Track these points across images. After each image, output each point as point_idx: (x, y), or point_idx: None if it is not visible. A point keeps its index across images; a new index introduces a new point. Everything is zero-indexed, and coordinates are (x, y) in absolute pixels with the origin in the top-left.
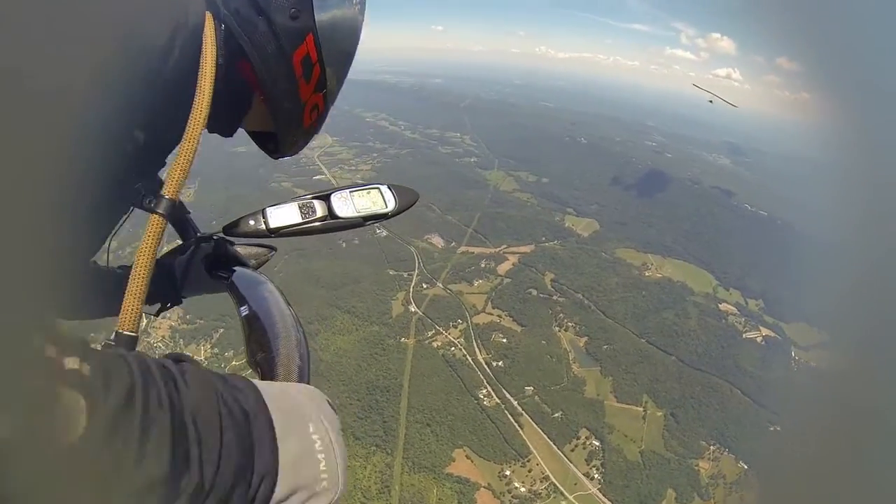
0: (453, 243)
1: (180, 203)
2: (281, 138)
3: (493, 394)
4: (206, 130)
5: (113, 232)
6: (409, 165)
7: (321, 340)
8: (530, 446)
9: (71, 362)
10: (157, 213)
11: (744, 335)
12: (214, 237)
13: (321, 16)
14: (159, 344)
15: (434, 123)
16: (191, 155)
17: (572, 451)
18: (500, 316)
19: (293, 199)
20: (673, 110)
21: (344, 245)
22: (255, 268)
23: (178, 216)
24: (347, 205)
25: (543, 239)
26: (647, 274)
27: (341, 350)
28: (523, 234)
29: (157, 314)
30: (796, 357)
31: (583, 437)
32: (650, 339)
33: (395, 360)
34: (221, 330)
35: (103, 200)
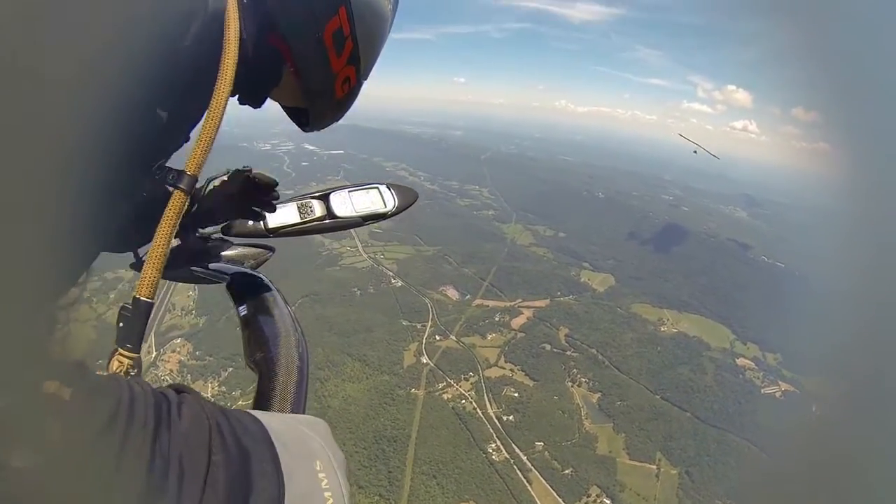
0: (468, 296)
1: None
2: (311, 110)
3: (502, 448)
4: (236, 101)
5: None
6: (427, 216)
7: (330, 387)
8: (538, 503)
9: (51, 386)
10: (178, 188)
11: (762, 390)
12: (214, 236)
13: None
14: (166, 377)
15: (454, 175)
16: (213, 132)
17: None
18: (512, 370)
19: (292, 199)
20: (690, 164)
21: (359, 293)
22: (254, 268)
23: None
24: (346, 204)
25: (559, 293)
26: (662, 329)
27: (350, 397)
28: (539, 289)
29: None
30: (817, 412)
31: (593, 495)
32: (665, 395)
33: (404, 410)
34: (231, 369)
35: (125, 179)
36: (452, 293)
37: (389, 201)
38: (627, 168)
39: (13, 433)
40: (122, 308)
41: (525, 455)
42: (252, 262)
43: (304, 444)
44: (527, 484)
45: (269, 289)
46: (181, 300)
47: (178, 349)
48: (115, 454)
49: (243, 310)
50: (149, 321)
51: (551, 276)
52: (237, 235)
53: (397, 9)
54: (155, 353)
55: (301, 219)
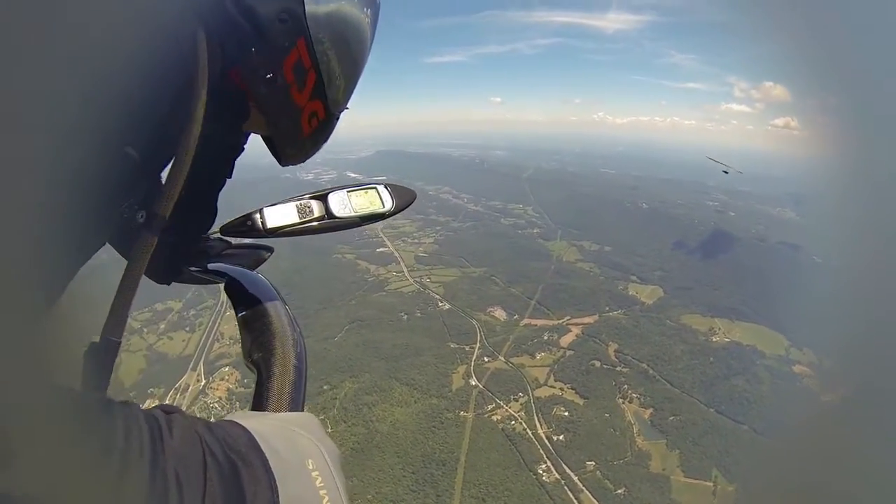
0: (516, 316)
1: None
2: (279, 146)
3: (552, 469)
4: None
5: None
6: (471, 238)
7: (378, 412)
8: None
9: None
10: (147, 231)
11: (821, 397)
12: (212, 237)
13: (315, 20)
14: (216, 405)
15: (497, 195)
16: (182, 176)
17: None
18: (562, 389)
19: (290, 199)
20: (734, 166)
21: (406, 318)
22: (252, 268)
23: None
24: (345, 205)
25: (607, 309)
26: (714, 339)
27: (398, 422)
28: (586, 305)
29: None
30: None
31: None
32: (719, 408)
33: (453, 433)
34: None
35: (93, 218)
36: (500, 314)
37: (388, 201)
38: (670, 176)
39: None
40: (90, 347)
41: (576, 475)
42: (251, 262)
43: (294, 445)
44: None
45: (267, 289)
46: (229, 329)
47: (227, 377)
48: (116, 477)
49: (242, 310)
50: (114, 361)
51: (598, 291)
52: (236, 235)
53: (375, 34)
54: (204, 381)
55: (299, 219)
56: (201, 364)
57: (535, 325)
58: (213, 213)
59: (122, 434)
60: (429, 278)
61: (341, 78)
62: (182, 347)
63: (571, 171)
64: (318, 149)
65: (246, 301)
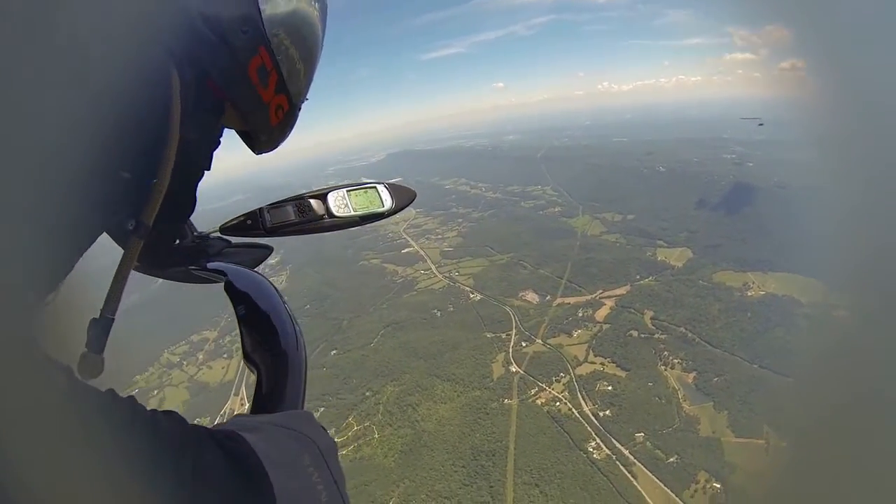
0: (548, 297)
1: None
2: (254, 137)
3: (602, 445)
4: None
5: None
6: (494, 225)
7: (422, 411)
8: (646, 497)
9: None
10: (135, 236)
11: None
12: (212, 236)
13: (271, 22)
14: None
15: (514, 180)
16: (164, 187)
17: (692, 496)
18: (602, 364)
19: (290, 199)
20: (746, 116)
21: (439, 314)
22: (252, 267)
23: None
24: (344, 204)
25: (638, 277)
26: (749, 294)
27: (444, 419)
28: (617, 276)
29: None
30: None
31: (702, 481)
32: (763, 363)
33: (500, 422)
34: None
35: (91, 225)
36: (532, 297)
37: (387, 201)
38: (683, 136)
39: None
40: (92, 320)
41: (626, 449)
42: (251, 261)
43: (289, 444)
44: (632, 479)
45: (266, 287)
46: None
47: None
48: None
49: (241, 308)
50: (109, 332)
51: (627, 260)
52: (236, 234)
53: (325, 24)
54: (248, 404)
55: (299, 218)
56: (243, 388)
57: (569, 304)
58: (193, 203)
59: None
60: (457, 272)
61: (300, 72)
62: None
63: (584, 145)
64: (285, 136)
65: (246, 300)
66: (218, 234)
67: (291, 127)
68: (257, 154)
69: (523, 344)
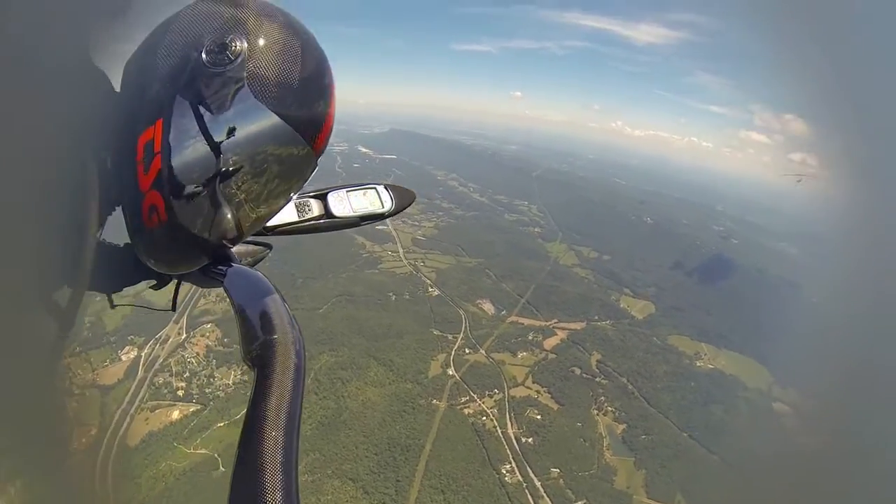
0: (504, 311)
1: None
2: (130, 235)
3: (516, 470)
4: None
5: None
6: (471, 228)
7: (352, 388)
8: None
9: None
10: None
11: (797, 439)
12: None
13: (183, 105)
14: (192, 360)
15: (504, 190)
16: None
17: None
18: (538, 391)
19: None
20: (744, 195)
21: (394, 298)
22: (251, 265)
23: None
24: (344, 204)
25: (596, 317)
26: (698, 364)
27: (369, 401)
28: (576, 311)
29: (173, 308)
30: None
31: None
32: (693, 433)
33: (423, 420)
34: None
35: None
36: (488, 307)
37: (387, 202)
38: (680, 196)
39: None
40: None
41: (539, 480)
42: (249, 259)
43: None
44: None
45: (266, 286)
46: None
47: (208, 334)
48: None
49: (240, 307)
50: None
51: (590, 298)
52: None
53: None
54: (185, 335)
55: (299, 217)
56: (184, 318)
57: (522, 324)
58: None
59: None
60: (423, 262)
61: (191, 175)
62: (168, 298)
63: (582, 176)
64: (166, 260)
65: (245, 298)
66: None
67: (174, 251)
68: (143, 261)
69: (467, 350)
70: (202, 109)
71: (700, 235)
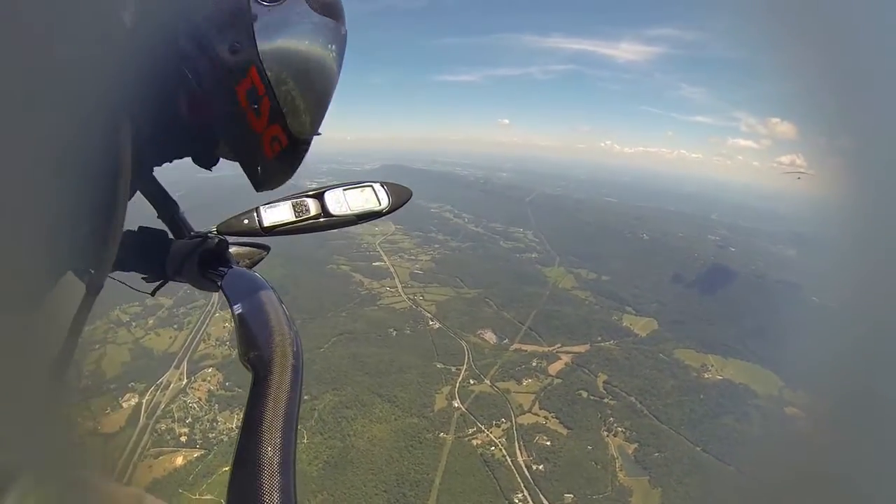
0: (506, 340)
1: (173, 202)
2: (247, 171)
3: (529, 499)
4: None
5: None
6: (469, 258)
7: (357, 426)
8: None
9: None
10: (89, 294)
11: (812, 441)
12: (209, 235)
13: (266, 47)
14: (194, 405)
15: (498, 217)
16: (112, 255)
17: None
18: (546, 417)
19: (287, 198)
20: (737, 202)
21: (394, 334)
22: (249, 267)
23: (172, 216)
24: (341, 203)
25: (599, 338)
26: (706, 376)
27: (376, 439)
28: (579, 334)
29: (152, 294)
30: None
31: None
32: (706, 447)
33: (430, 454)
34: None
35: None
36: (490, 337)
37: (384, 199)
38: (673, 208)
39: None
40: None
41: None
42: (247, 260)
43: None
44: None
45: (264, 287)
46: (216, 331)
47: (209, 378)
48: None
49: (238, 308)
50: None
51: (592, 320)
52: (233, 234)
53: (343, 57)
54: (186, 380)
55: (296, 217)
56: (185, 363)
57: (525, 351)
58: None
59: None
60: (422, 296)
61: (303, 106)
62: (168, 344)
63: (575, 198)
64: (288, 174)
65: (243, 299)
66: (215, 234)
67: (295, 164)
68: (258, 191)
69: (471, 381)
70: (279, 40)
71: (697, 247)
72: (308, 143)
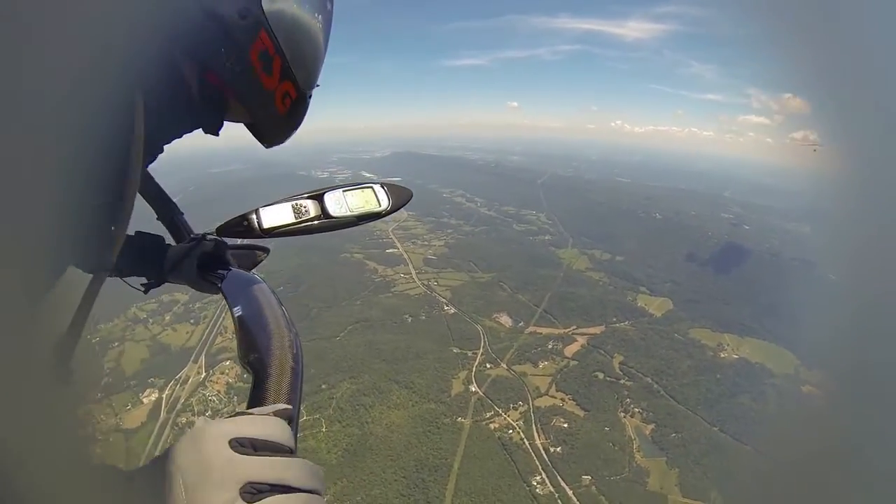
0: (521, 323)
1: (173, 204)
2: (262, 128)
3: (547, 481)
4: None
5: None
6: (482, 242)
7: (374, 413)
8: None
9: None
10: (96, 279)
11: (828, 417)
12: (208, 237)
13: (271, 9)
14: (213, 398)
15: (510, 201)
16: (127, 220)
17: None
18: (563, 399)
19: (286, 199)
20: (751, 179)
21: (410, 320)
22: (249, 269)
23: (171, 218)
24: (341, 204)
25: (614, 320)
26: (722, 355)
27: (394, 425)
28: (594, 315)
29: (145, 291)
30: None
31: None
32: (723, 426)
33: (449, 439)
34: None
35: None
36: (506, 320)
37: (384, 200)
38: (686, 187)
39: None
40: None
41: (571, 489)
42: (247, 262)
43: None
44: None
45: (264, 289)
46: (233, 325)
47: (227, 371)
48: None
49: (238, 310)
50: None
51: (607, 301)
52: (232, 236)
53: (331, 16)
54: (204, 373)
55: (295, 219)
56: (203, 357)
57: (541, 334)
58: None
59: None
60: (436, 281)
61: (307, 57)
62: (185, 339)
63: (587, 179)
64: (296, 128)
65: (242, 301)
66: (214, 236)
67: (302, 117)
68: (267, 147)
69: (488, 365)
70: (279, 2)
71: (710, 225)
72: (311, 95)
